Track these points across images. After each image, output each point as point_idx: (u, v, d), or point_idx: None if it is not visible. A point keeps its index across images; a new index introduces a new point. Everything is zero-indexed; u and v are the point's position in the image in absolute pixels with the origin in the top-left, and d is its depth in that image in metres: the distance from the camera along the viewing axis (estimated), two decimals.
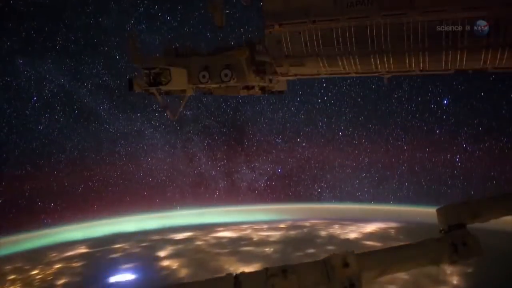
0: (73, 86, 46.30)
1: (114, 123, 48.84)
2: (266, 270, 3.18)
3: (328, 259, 3.20)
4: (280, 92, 9.02)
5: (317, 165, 54.36)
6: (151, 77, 7.85)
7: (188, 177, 53.97)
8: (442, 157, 48.72)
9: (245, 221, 49.29)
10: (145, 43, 44.65)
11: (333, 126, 53.40)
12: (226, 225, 47.20)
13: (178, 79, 7.99)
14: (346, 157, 53.82)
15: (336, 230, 45.71)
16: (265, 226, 47.58)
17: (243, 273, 3.15)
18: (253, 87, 8.19)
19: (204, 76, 7.80)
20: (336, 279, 3.11)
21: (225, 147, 54.30)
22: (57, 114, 46.23)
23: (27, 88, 44.35)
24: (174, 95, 8.83)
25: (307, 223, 48.51)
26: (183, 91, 8.53)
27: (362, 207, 52.19)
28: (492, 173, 46.04)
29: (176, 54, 8.20)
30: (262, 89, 8.47)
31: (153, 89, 8.08)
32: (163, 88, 8.07)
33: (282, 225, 48.35)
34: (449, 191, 48.59)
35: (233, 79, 7.61)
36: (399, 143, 50.49)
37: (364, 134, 52.39)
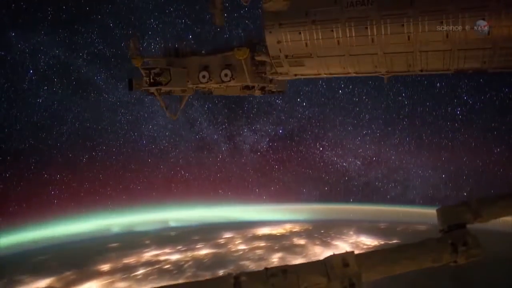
0: (68, 57, 45.05)
1: (113, 92, 47.27)
2: (266, 270, 3.18)
3: (328, 259, 3.20)
4: (280, 92, 9.03)
5: (318, 124, 53.82)
6: (151, 77, 7.86)
7: (190, 142, 53.61)
8: (443, 110, 48.20)
9: (162, 228, 45.92)
10: (138, 9, 44.35)
11: (333, 84, 52.78)
12: (120, 255, 38.30)
13: (178, 79, 7.99)
14: (347, 115, 53.14)
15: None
16: (163, 258, 37.60)
17: (243, 273, 3.15)
18: (253, 87, 8.19)
19: (204, 76, 7.81)
20: (336, 279, 3.11)
21: (226, 110, 53.49)
22: (55, 86, 45.23)
23: (22, 61, 43.12)
24: (175, 95, 8.85)
25: (232, 247, 39.89)
26: (183, 91, 8.53)
27: (349, 207, 52.12)
28: (493, 124, 45.28)
29: (176, 54, 8.21)
30: (262, 89, 8.47)
31: (153, 89, 8.09)
32: (163, 88, 8.08)
33: (191, 254, 38.20)
34: (450, 144, 48.32)
35: (233, 79, 7.61)
36: (400, 98, 50.24)
37: (364, 91, 51.77)
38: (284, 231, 46.20)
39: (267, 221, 49.50)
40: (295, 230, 46.76)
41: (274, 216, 51.15)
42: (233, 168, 53.67)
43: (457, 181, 48.32)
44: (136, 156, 50.92)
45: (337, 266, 3.15)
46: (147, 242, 42.24)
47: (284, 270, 3.14)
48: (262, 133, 52.04)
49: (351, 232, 43.77)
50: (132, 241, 42.45)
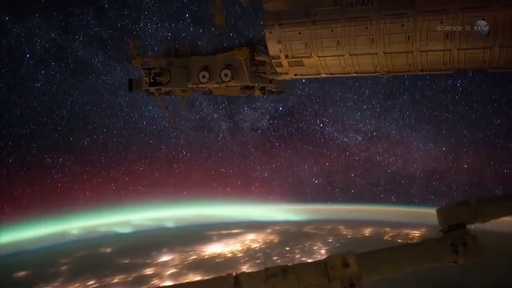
0: (64, 39, 44.80)
1: (111, 74, 47.12)
2: (266, 270, 3.18)
3: (328, 259, 3.20)
4: (280, 92, 9.04)
5: (318, 100, 53.46)
6: (151, 77, 7.87)
7: (190, 122, 53.48)
8: (443, 83, 47.90)
9: None
10: None
11: None
12: None
13: (178, 79, 8.00)
14: (347, 90, 52.81)
15: None
16: None
17: (243, 273, 3.15)
18: (253, 87, 8.20)
19: (204, 76, 7.81)
20: (336, 279, 3.10)
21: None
22: (52, 70, 44.86)
23: (19, 45, 42.63)
24: (175, 95, 8.85)
25: (155, 284, 33.50)
26: (183, 91, 8.54)
27: (337, 208, 51.73)
28: (493, 96, 45.20)
29: (176, 54, 8.21)
30: (262, 89, 8.48)
31: (153, 89, 8.10)
32: (163, 88, 8.09)
33: None
34: (450, 116, 48.30)
35: (233, 79, 7.62)
36: None
37: None
38: (240, 249, 40.08)
39: (240, 223, 47.72)
40: (254, 246, 40.92)
41: (253, 215, 50.11)
42: (234, 146, 53.34)
43: (457, 153, 48.34)
44: (137, 137, 50.76)
45: (337, 266, 3.14)
46: (64, 268, 36.63)
47: (284, 270, 3.14)
48: (262, 110, 51.83)
49: (323, 251, 38.71)
50: (51, 262, 37.41)
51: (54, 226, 46.69)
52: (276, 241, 41.89)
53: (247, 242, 42.24)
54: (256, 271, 3.20)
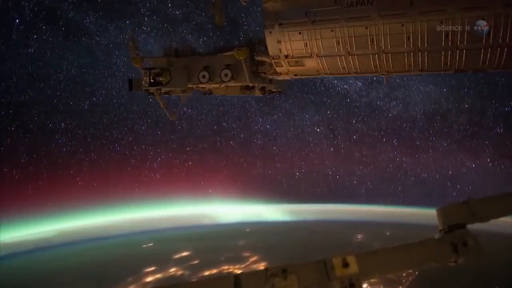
0: (53, 1, 43.48)
1: (104, 34, 45.97)
2: (266, 270, 3.18)
3: (328, 259, 3.20)
4: (280, 92, 9.04)
5: None
6: (151, 77, 7.87)
7: None
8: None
9: None
10: None
11: None
12: None
13: (178, 79, 8.00)
14: None
15: None
16: None
17: (243, 273, 3.15)
18: (253, 87, 8.20)
19: (204, 76, 7.81)
20: (336, 279, 3.11)
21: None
22: (44, 34, 43.49)
23: (6, 10, 41.27)
24: (175, 95, 8.85)
25: None
26: (183, 91, 8.54)
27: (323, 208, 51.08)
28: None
29: (176, 54, 8.21)
30: (262, 89, 8.48)
31: (153, 89, 8.10)
32: (163, 88, 8.09)
33: None
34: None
35: (233, 79, 7.62)
36: None
37: None
38: None
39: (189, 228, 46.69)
40: None
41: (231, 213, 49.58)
42: (234, 100, 52.77)
43: (458, 94, 48.00)
44: (137, 97, 49.90)
45: (337, 266, 3.14)
46: None
47: (284, 270, 3.14)
48: None
49: None
50: None
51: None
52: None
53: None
54: (256, 271, 3.20)
